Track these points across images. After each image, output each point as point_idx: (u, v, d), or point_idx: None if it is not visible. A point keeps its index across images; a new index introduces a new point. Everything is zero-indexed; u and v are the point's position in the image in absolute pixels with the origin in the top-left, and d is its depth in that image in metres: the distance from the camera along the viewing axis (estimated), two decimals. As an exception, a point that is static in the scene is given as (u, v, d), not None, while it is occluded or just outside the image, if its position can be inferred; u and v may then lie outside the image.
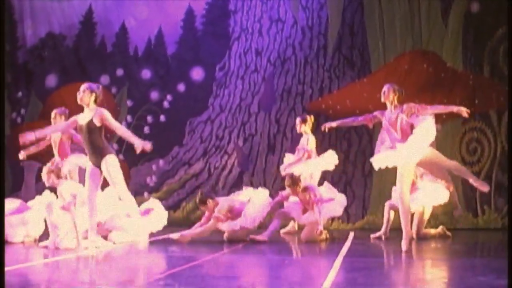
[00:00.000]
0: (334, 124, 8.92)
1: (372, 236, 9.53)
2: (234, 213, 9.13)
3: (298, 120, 10.55)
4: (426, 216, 9.58)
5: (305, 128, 10.35)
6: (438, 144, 11.47)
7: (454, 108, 8.07)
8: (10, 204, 9.42)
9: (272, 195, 10.07)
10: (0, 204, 6.08)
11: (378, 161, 8.06)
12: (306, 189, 9.36)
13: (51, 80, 13.51)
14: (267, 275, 6.78)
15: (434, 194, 9.45)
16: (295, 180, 9.41)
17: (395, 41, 11.99)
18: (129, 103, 13.09)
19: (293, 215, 9.58)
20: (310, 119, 10.46)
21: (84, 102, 7.75)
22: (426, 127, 7.89)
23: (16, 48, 13.86)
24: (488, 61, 11.58)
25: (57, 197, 9.44)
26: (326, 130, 9.11)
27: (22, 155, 9.43)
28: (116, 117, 12.87)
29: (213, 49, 12.79)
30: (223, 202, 9.22)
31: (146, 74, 13.15)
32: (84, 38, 13.48)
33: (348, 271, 6.79)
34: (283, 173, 10.43)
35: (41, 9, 13.72)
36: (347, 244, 9.01)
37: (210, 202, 9.20)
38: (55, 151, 9.62)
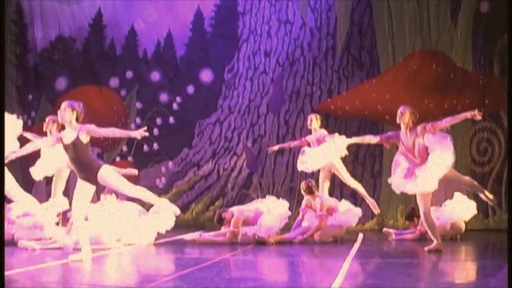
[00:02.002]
0: (351, 140, 8.90)
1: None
2: (249, 223, 9.14)
3: (311, 116, 10.40)
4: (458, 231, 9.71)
5: (315, 125, 10.28)
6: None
7: (468, 115, 8.05)
8: (22, 206, 9.41)
9: (283, 197, 10.05)
10: (0, 204, 6.07)
11: (401, 187, 8.11)
12: (315, 197, 9.43)
13: (61, 83, 13.57)
14: (277, 277, 6.77)
15: (462, 208, 9.63)
16: (311, 189, 9.47)
17: (404, 41, 11.96)
18: (138, 105, 13.12)
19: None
20: (319, 117, 10.38)
21: (65, 121, 7.43)
22: (444, 152, 7.90)
23: (27, 51, 13.92)
24: (498, 61, 11.52)
25: (69, 202, 9.52)
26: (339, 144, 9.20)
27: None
28: (126, 119, 12.98)
29: (222, 51, 12.80)
30: (238, 214, 9.20)
31: (155, 76, 13.17)
32: (94, 41, 13.53)
33: (357, 272, 6.78)
34: (301, 168, 10.27)
35: (51, 12, 13.77)
36: (357, 245, 8.99)
37: (226, 217, 9.23)
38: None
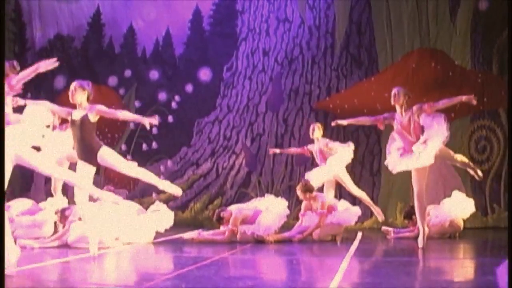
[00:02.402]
0: (345, 122, 8.99)
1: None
2: (248, 222, 9.15)
3: (313, 126, 10.42)
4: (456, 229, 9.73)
5: (317, 134, 10.31)
6: (447, 143, 11.48)
7: (463, 98, 8.13)
8: (22, 204, 9.44)
9: (282, 195, 10.05)
10: (0, 204, 6.06)
11: (398, 165, 8.20)
12: (315, 198, 9.44)
13: (60, 82, 13.54)
14: (276, 275, 6.78)
15: (460, 206, 9.66)
16: (309, 187, 9.49)
17: (403, 39, 11.96)
18: (137, 104, 13.12)
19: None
20: (321, 126, 10.42)
21: (76, 101, 7.54)
22: (439, 128, 8.01)
23: (25, 50, 13.91)
24: (497, 59, 11.53)
25: (68, 201, 9.54)
26: (336, 125, 9.21)
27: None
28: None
29: (221, 49, 12.81)
30: (237, 213, 9.20)
31: (154, 75, 13.17)
32: (92, 40, 13.52)
33: (356, 270, 6.79)
34: (314, 184, 10.30)
35: (49, 11, 13.76)
36: (355, 243, 8.99)
37: (225, 216, 9.24)
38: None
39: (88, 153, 7.45)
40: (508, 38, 10.77)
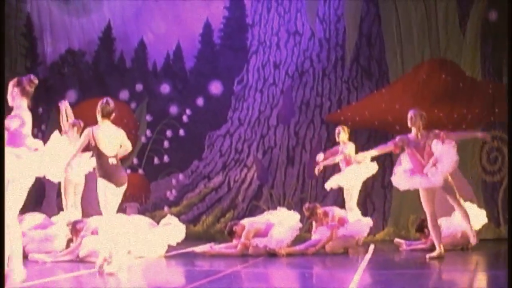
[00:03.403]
0: (371, 153, 8.89)
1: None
2: (260, 235, 9.13)
3: (338, 128, 10.41)
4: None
5: (343, 137, 10.28)
6: (458, 154, 11.42)
7: (479, 135, 8.26)
8: (34, 218, 9.46)
9: (293, 208, 10.05)
10: (0, 204, 6.09)
11: (407, 182, 8.34)
12: (325, 213, 9.45)
13: (71, 96, 13.59)
14: (287, 289, 6.76)
15: (472, 217, 9.61)
16: (313, 211, 9.51)
17: (413, 51, 11.95)
18: (148, 117, 13.16)
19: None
20: (346, 128, 10.37)
21: (110, 118, 7.63)
22: (449, 153, 8.21)
23: (37, 65, 14.00)
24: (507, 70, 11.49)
25: (82, 215, 9.60)
26: (361, 161, 9.36)
27: None
28: (136, 132, 13.01)
29: (231, 62, 12.84)
30: (249, 226, 9.19)
31: (165, 88, 13.22)
32: (103, 54, 13.60)
33: (369, 283, 6.76)
34: (329, 187, 10.35)
35: (60, 25, 13.86)
36: (368, 256, 8.96)
37: (237, 230, 9.23)
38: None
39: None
40: (507, 45, 10.71)
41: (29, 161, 6.30)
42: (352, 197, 10.16)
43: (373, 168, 10.19)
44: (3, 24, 7.73)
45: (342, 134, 10.22)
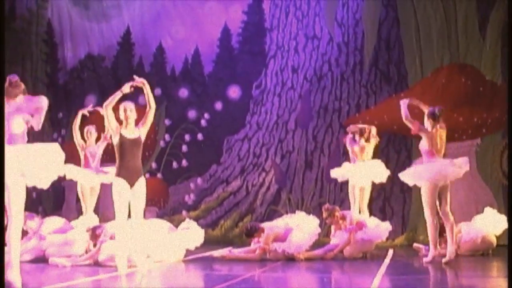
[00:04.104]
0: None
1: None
2: (279, 240, 9.12)
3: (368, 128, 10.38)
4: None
5: (364, 142, 10.22)
6: (479, 159, 11.37)
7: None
8: (54, 222, 9.51)
9: (312, 212, 10.03)
10: (0, 204, 6.13)
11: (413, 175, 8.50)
12: (343, 217, 9.43)
13: (90, 101, 13.67)
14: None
15: (492, 223, 9.55)
16: (331, 213, 9.48)
17: (432, 55, 11.89)
18: (167, 122, 13.21)
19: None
20: (368, 130, 10.29)
21: (130, 120, 7.89)
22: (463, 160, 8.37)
23: (57, 70, 14.12)
24: (528, 73, 11.39)
25: (100, 219, 9.68)
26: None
27: None
28: (155, 136, 13.06)
29: (250, 67, 12.86)
30: (269, 230, 9.18)
31: (183, 93, 13.26)
32: (122, 59, 13.68)
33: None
34: (334, 175, 10.33)
35: (80, 31, 13.98)
36: (387, 261, 8.91)
37: (256, 234, 9.24)
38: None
39: (135, 176, 7.67)
40: (508, 45, 10.61)
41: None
42: (363, 198, 10.07)
43: (384, 174, 10.09)
44: (3, 24, 7.75)
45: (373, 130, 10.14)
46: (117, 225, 7.58)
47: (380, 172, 10.12)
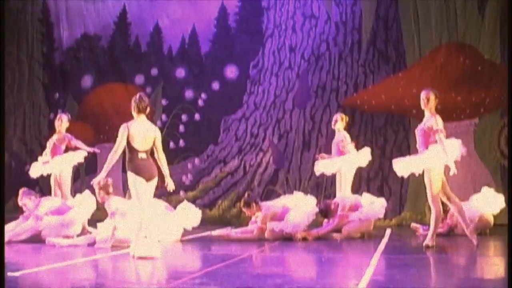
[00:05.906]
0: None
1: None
2: (276, 219, 9.12)
3: (336, 116, 10.24)
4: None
5: (339, 126, 10.10)
6: (477, 138, 11.35)
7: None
8: (51, 202, 9.48)
9: (309, 192, 10.02)
10: (0, 204, 6.10)
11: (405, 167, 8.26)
12: (337, 206, 9.46)
13: (87, 81, 13.66)
14: (305, 273, 6.74)
15: (490, 202, 9.53)
16: (327, 211, 9.50)
17: (431, 34, 11.81)
18: (164, 102, 13.16)
19: None
20: (345, 117, 10.18)
21: (145, 112, 7.60)
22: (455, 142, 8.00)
23: (53, 50, 14.04)
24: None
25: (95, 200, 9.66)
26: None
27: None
28: (152, 116, 12.95)
29: (247, 46, 12.79)
30: (266, 209, 9.18)
31: (180, 73, 13.19)
32: (119, 39, 13.60)
33: (385, 268, 6.73)
34: (317, 173, 10.31)
35: (76, 10, 13.88)
36: (384, 240, 8.93)
37: (254, 207, 9.23)
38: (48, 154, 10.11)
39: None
40: (507, 34, 10.54)
41: None
42: (346, 184, 9.92)
43: (366, 158, 10.00)
44: (3, 24, 7.70)
45: (339, 122, 10.00)
46: (141, 212, 7.47)
47: (363, 159, 10.03)
